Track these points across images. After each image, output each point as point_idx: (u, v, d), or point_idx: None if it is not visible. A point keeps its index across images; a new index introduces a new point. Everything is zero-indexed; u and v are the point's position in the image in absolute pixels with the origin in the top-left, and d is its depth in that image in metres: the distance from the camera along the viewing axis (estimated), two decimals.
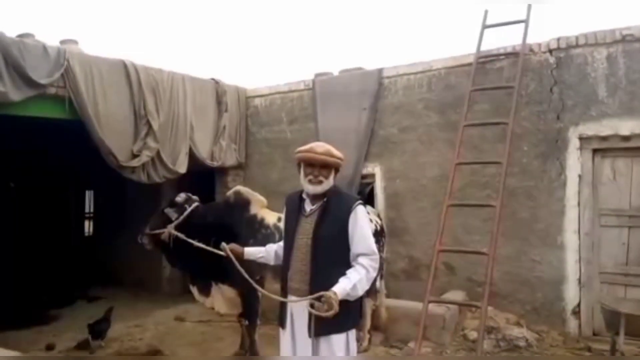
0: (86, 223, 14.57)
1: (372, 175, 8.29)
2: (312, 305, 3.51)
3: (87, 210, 14.49)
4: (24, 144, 11.02)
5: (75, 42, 7.55)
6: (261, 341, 6.57)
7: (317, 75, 9.07)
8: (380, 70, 8.31)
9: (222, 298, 6.49)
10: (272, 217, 6.51)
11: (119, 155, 7.34)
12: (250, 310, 6.40)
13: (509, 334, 6.31)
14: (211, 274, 6.31)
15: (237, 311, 6.62)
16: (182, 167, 8.21)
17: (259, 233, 6.30)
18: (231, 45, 29.40)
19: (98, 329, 7.50)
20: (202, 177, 8.95)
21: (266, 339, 6.74)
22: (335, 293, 3.45)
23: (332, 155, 3.85)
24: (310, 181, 3.83)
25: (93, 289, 11.36)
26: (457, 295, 7.17)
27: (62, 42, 7.39)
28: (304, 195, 3.99)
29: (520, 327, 6.60)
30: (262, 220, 6.48)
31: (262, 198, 6.66)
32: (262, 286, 5.87)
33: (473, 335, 6.61)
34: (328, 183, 3.86)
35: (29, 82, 6.37)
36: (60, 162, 12.50)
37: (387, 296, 7.41)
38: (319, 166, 3.81)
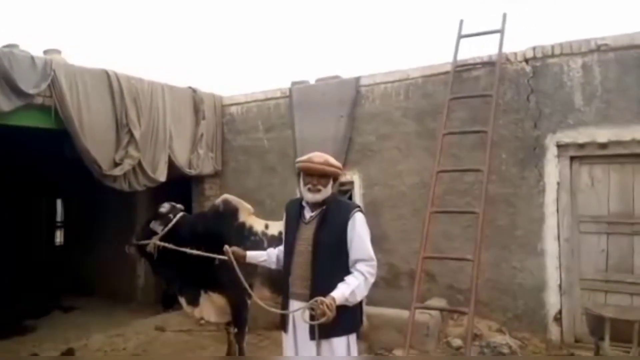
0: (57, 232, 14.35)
1: (351, 183, 8.28)
2: (311, 309, 3.61)
3: (57, 219, 14.27)
4: None
5: (58, 51, 7.63)
6: (247, 349, 6.54)
7: (293, 83, 9.04)
8: (357, 79, 8.30)
9: (211, 307, 6.51)
10: (259, 225, 6.58)
11: (102, 164, 7.34)
12: (239, 318, 6.42)
13: (493, 341, 6.33)
14: (201, 283, 6.35)
15: (226, 319, 6.64)
16: (162, 176, 8.21)
17: (247, 240, 6.33)
18: (207, 53, 29.20)
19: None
20: (178, 185, 8.85)
21: (250, 347, 6.79)
22: (333, 298, 3.58)
23: (330, 165, 4.00)
24: (309, 190, 3.97)
25: (66, 299, 11.21)
26: (439, 302, 7.17)
27: (46, 51, 7.46)
28: (303, 203, 4.11)
29: (502, 335, 6.64)
30: (251, 227, 6.54)
31: (249, 206, 6.71)
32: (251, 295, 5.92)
33: (457, 342, 6.63)
34: (326, 191, 3.99)
35: (18, 93, 6.44)
36: (30, 170, 12.27)
37: (367, 304, 7.39)
38: (317, 175, 3.95)
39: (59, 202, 14.19)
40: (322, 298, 3.53)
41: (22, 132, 7.35)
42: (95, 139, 7.28)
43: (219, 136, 9.54)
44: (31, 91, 6.53)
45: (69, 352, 7.37)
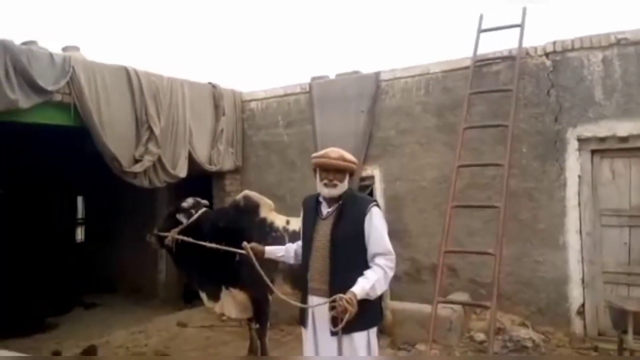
0: (78, 229, 14.46)
1: (371, 178, 8.31)
2: (332, 308, 3.62)
3: (78, 216, 14.39)
4: (14, 150, 10.87)
5: (77, 48, 7.60)
6: (269, 345, 6.60)
7: (313, 78, 9.06)
8: (377, 74, 8.32)
9: (232, 302, 6.56)
10: (280, 220, 6.61)
11: (123, 160, 7.34)
12: (261, 313, 6.47)
13: (516, 335, 6.35)
14: (221, 278, 6.40)
15: (247, 315, 6.69)
16: (182, 172, 8.24)
17: (268, 236, 6.36)
18: (227, 49, 29.19)
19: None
20: (199, 181, 8.91)
21: (273, 343, 6.86)
22: (354, 294, 3.61)
23: (345, 160, 4.01)
24: (325, 185, 4.00)
25: (87, 296, 11.32)
26: (461, 297, 7.19)
27: (65, 48, 7.46)
28: (320, 199, 4.14)
29: (526, 328, 6.65)
30: (272, 223, 6.58)
31: (269, 202, 6.77)
32: (272, 290, 5.98)
33: (480, 336, 6.66)
34: (343, 186, 4.02)
35: (37, 90, 6.40)
36: (51, 168, 12.37)
37: (390, 298, 7.44)
38: (333, 170, 3.97)
39: (79, 199, 14.29)
40: (341, 295, 3.57)
41: (43, 129, 7.42)
42: (115, 135, 7.28)
43: (239, 132, 9.56)
44: (50, 88, 6.52)
45: (91, 348, 7.39)
